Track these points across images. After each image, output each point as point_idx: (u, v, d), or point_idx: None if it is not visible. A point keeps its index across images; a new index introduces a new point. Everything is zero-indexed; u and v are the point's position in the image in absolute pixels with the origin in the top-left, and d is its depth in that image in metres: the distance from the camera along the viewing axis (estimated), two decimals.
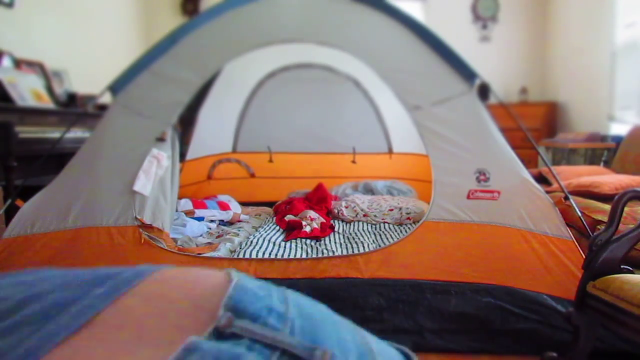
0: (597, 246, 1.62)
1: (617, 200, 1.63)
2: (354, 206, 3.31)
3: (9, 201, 2.37)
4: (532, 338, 1.95)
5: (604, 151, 4.52)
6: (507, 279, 2.05)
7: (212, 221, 3.21)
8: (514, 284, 2.03)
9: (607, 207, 2.38)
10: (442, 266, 2.08)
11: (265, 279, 2.10)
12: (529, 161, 3.95)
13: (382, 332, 2.01)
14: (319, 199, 3.61)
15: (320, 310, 0.44)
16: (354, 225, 3.14)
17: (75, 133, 3.36)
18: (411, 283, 2.06)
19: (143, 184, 2.22)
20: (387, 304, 2.04)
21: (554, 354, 1.72)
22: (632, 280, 1.51)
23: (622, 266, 1.62)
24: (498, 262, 2.07)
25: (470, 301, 2.03)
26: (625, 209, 2.32)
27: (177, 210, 3.02)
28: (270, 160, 4.31)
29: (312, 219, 2.99)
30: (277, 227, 3.07)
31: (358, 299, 2.02)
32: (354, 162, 4.36)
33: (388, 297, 2.05)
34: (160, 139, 2.27)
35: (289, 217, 3.16)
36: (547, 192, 2.15)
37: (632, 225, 1.70)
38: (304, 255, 2.36)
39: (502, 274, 2.05)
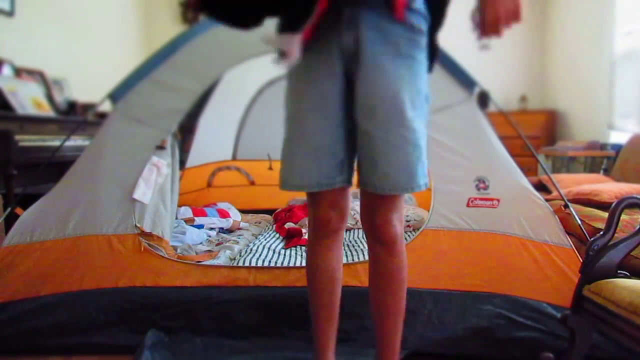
0: (593, 251, 1.63)
1: (615, 207, 1.64)
2: (354, 214, 3.30)
3: (8, 209, 2.37)
4: (533, 346, 1.94)
5: (604, 159, 4.52)
6: (507, 287, 2.04)
7: (211, 229, 3.21)
8: (514, 292, 2.03)
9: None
10: (442, 275, 2.08)
11: (265, 287, 2.11)
12: (529, 169, 3.95)
13: None
14: None
15: None
16: (354, 232, 3.13)
17: (75, 141, 3.37)
18: (411, 292, 2.05)
19: (143, 192, 2.22)
20: None
21: (551, 355, 1.72)
22: (623, 284, 1.53)
23: (619, 272, 1.63)
24: (498, 270, 2.06)
25: (471, 310, 2.03)
26: (625, 217, 2.33)
27: (176, 218, 3.02)
28: (270, 168, 4.31)
29: None
30: (277, 235, 3.07)
31: (357, 307, 2.01)
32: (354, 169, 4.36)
33: None
34: (160, 147, 2.27)
35: (288, 225, 3.16)
36: (547, 200, 2.15)
37: None
38: (304, 263, 2.35)
39: (502, 282, 2.05)
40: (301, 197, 3.92)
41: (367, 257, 2.38)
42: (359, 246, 2.73)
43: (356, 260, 2.40)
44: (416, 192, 1.47)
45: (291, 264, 2.39)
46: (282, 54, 1.37)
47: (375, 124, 1.40)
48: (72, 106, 4.32)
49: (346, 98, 1.44)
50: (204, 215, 3.31)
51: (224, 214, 3.41)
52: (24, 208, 2.23)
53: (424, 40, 1.45)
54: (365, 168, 1.46)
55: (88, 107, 3.99)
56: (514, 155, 2.14)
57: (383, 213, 1.50)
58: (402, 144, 1.41)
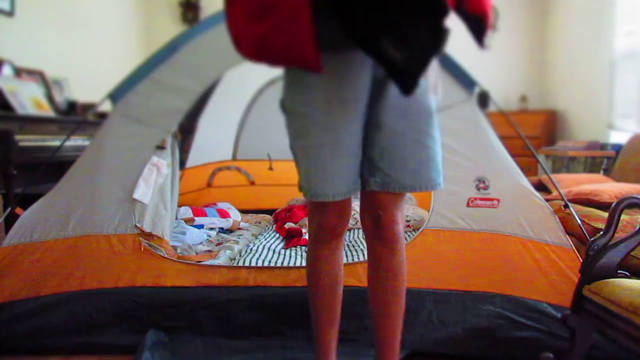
0: (593, 251, 1.64)
1: (615, 207, 1.64)
2: (354, 213, 3.30)
3: (8, 209, 2.37)
4: (533, 346, 1.94)
5: (604, 159, 4.52)
6: (507, 287, 2.04)
7: (211, 229, 3.21)
8: (514, 292, 2.03)
9: None
10: (442, 275, 2.08)
11: (265, 287, 2.11)
12: (529, 169, 3.95)
13: None
14: None
15: None
16: (353, 232, 3.13)
17: (75, 141, 3.37)
18: (411, 292, 2.05)
19: (143, 192, 2.22)
20: None
21: (551, 355, 1.73)
22: (623, 284, 1.54)
23: (619, 272, 1.63)
24: (498, 270, 2.06)
25: (471, 310, 2.03)
26: (625, 217, 2.33)
27: (176, 218, 3.02)
28: (270, 168, 4.31)
29: None
30: (277, 235, 3.07)
31: (357, 307, 2.01)
32: None
33: None
34: (160, 147, 2.27)
35: (288, 225, 3.16)
36: (547, 200, 2.15)
37: None
38: (304, 263, 2.35)
39: (502, 282, 2.05)
40: (301, 197, 3.92)
41: (366, 257, 2.39)
42: (358, 246, 2.73)
43: (356, 260, 2.40)
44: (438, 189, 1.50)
45: (291, 264, 2.39)
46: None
47: (407, 123, 1.40)
48: (72, 106, 4.32)
49: (372, 97, 1.43)
50: (204, 215, 3.31)
51: (224, 214, 3.41)
52: (24, 208, 2.23)
53: None
54: (391, 167, 1.44)
55: (88, 107, 4.00)
56: (514, 155, 2.14)
57: (391, 211, 1.50)
58: (430, 142, 1.43)
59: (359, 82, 1.39)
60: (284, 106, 1.46)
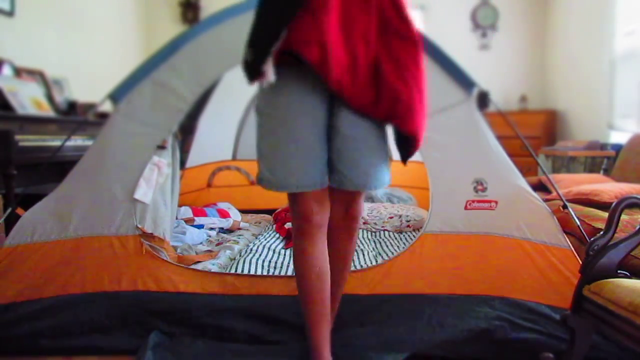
0: (594, 251, 1.64)
1: (615, 207, 1.64)
2: None
3: (9, 210, 2.37)
4: (532, 348, 1.94)
5: (604, 159, 4.52)
6: (506, 289, 2.04)
7: (211, 229, 3.21)
8: (513, 295, 2.03)
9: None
10: (441, 278, 2.08)
11: (267, 295, 2.09)
12: (529, 169, 3.95)
13: (383, 346, 2.00)
14: None
15: None
16: None
17: (75, 141, 3.37)
18: (411, 296, 2.06)
19: (144, 192, 2.21)
20: (387, 318, 2.03)
21: (551, 355, 1.73)
22: (623, 284, 1.54)
23: (619, 272, 1.64)
24: (497, 272, 2.06)
25: (470, 312, 2.02)
26: (625, 217, 2.33)
27: (177, 218, 3.02)
28: None
29: None
30: (277, 235, 3.07)
31: (358, 314, 2.02)
32: None
33: (388, 311, 2.04)
34: (161, 147, 2.27)
35: (288, 225, 3.16)
36: (547, 201, 2.15)
37: None
38: None
39: (501, 284, 2.05)
40: None
41: (366, 258, 2.38)
42: (358, 247, 2.72)
43: (356, 260, 2.39)
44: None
45: (291, 264, 2.39)
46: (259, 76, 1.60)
47: (359, 130, 1.61)
48: (72, 106, 4.32)
49: (331, 105, 1.61)
50: (204, 215, 3.31)
51: (224, 214, 3.41)
52: (25, 208, 2.23)
53: None
54: (346, 167, 1.64)
55: (88, 107, 3.99)
56: (514, 155, 2.13)
57: (357, 205, 1.77)
58: (380, 146, 1.67)
59: (316, 92, 1.58)
60: (258, 109, 1.69)
